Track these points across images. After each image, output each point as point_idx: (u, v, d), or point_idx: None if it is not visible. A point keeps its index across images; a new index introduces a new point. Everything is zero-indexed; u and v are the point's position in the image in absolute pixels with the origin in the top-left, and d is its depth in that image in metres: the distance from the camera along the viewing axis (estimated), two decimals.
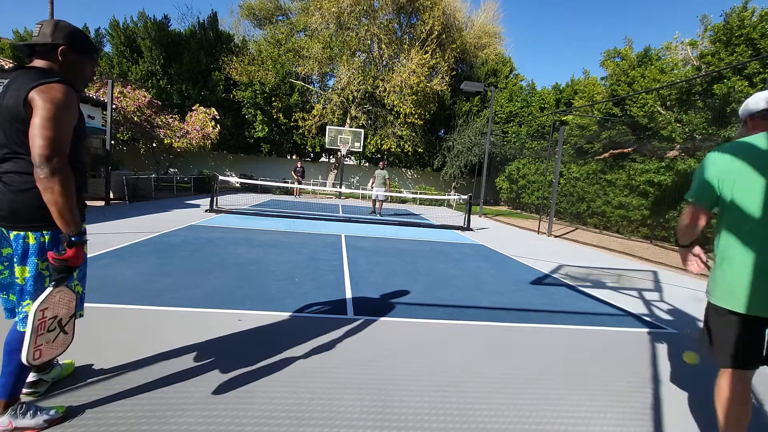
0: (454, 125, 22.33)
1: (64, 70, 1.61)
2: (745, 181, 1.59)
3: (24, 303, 1.59)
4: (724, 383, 1.76)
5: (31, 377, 1.87)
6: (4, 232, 1.57)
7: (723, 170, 1.64)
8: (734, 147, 1.65)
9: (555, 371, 2.66)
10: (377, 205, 12.72)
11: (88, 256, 2.32)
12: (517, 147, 19.69)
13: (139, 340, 2.61)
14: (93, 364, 2.25)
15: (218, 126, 16.60)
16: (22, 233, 1.53)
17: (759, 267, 1.57)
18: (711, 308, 1.78)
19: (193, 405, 1.95)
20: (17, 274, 1.57)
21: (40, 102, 1.43)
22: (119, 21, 20.18)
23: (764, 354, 1.65)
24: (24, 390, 1.80)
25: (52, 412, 1.72)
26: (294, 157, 23.40)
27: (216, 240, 6.08)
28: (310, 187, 20.03)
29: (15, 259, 1.57)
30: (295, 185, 17.87)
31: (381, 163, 13.09)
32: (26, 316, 1.55)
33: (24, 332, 1.52)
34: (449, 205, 20.38)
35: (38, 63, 1.59)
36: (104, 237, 5.81)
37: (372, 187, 12.62)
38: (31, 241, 1.54)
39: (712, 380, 2.73)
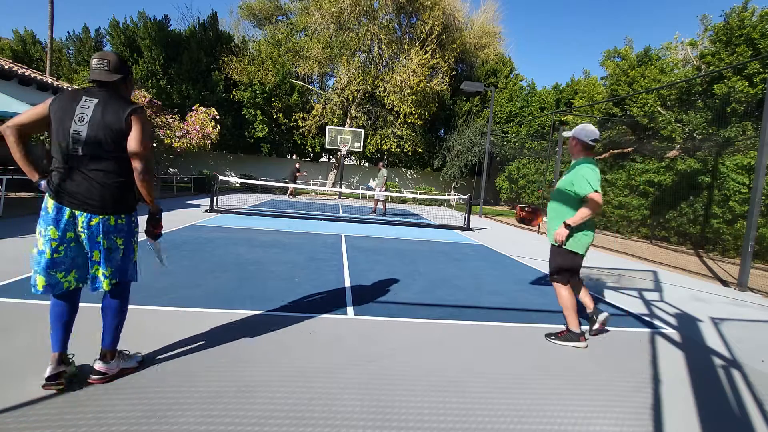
0: (454, 125, 22.33)
1: (129, 93, 2.15)
2: (597, 179, 3.03)
3: (105, 271, 2.02)
4: (567, 290, 3.13)
5: (49, 370, 1.98)
6: (81, 218, 1.94)
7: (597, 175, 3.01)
8: (587, 166, 3.02)
9: (555, 371, 2.66)
10: (380, 204, 12.77)
11: None
12: (517, 147, 19.70)
13: (139, 339, 2.61)
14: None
15: (218, 126, 16.58)
16: (106, 217, 1.97)
17: (591, 230, 3.08)
18: (575, 256, 3.06)
19: (193, 405, 1.95)
20: (105, 246, 1.99)
21: (138, 122, 1.95)
22: (119, 21, 20.21)
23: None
24: (44, 385, 1.98)
25: (138, 357, 2.33)
26: (294, 156, 23.40)
27: (216, 240, 6.08)
28: (310, 187, 20.04)
29: (99, 238, 1.98)
30: (290, 185, 17.44)
31: (380, 164, 13.11)
32: (114, 279, 2.08)
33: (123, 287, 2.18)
34: (449, 205, 20.39)
35: (116, 87, 2.04)
36: None
37: (375, 188, 12.73)
38: (112, 222, 2.00)
39: (712, 380, 2.74)
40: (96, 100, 1.92)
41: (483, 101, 22.58)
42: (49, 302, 2.04)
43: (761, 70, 10.02)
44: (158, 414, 1.86)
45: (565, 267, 3.05)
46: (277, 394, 2.11)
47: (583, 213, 2.89)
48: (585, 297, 3.29)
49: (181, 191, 15.90)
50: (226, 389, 2.12)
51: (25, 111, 2.00)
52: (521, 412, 2.14)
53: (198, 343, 2.62)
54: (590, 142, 2.99)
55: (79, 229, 1.95)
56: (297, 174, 17.45)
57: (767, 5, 14.74)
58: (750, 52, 10.46)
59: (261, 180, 18.37)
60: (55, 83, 11.49)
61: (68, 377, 2.04)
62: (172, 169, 19.78)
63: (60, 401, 1.90)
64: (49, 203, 1.92)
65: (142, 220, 2.20)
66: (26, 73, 10.30)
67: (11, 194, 10.15)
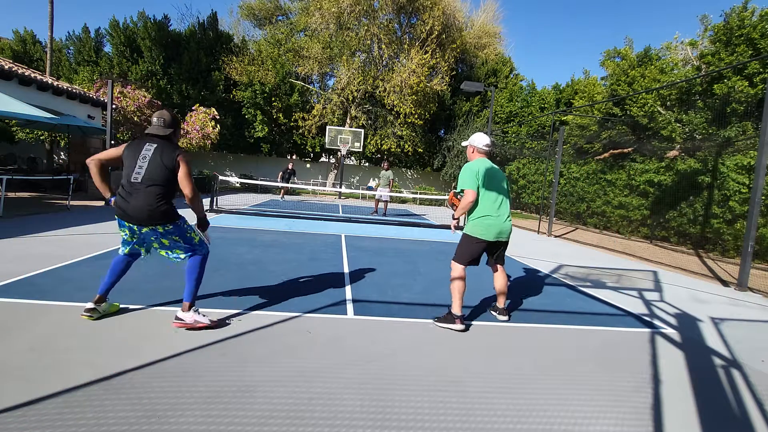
0: (454, 125, 22.32)
1: (177, 140, 2.95)
2: (488, 178, 3.39)
3: (180, 254, 2.89)
4: (460, 272, 3.37)
5: (89, 305, 2.83)
6: (135, 228, 2.72)
7: (481, 172, 3.37)
8: (481, 163, 3.46)
9: (555, 371, 2.66)
10: (381, 204, 12.75)
11: (89, 256, 4.36)
12: (517, 147, 19.69)
13: (139, 340, 2.61)
14: (93, 364, 2.25)
15: (218, 126, 16.59)
16: (153, 227, 2.71)
17: (490, 218, 3.34)
18: (469, 237, 3.39)
19: (193, 405, 1.95)
20: (164, 243, 2.83)
21: (184, 163, 2.73)
22: (119, 21, 20.20)
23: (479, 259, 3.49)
24: (82, 314, 2.82)
25: (209, 318, 2.90)
26: (294, 156, 23.40)
27: (216, 240, 6.07)
28: (310, 187, 20.03)
29: (157, 239, 2.81)
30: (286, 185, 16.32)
31: (385, 164, 13.04)
32: (191, 255, 2.91)
33: (197, 257, 2.93)
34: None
35: (167, 136, 2.83)
36: (104, 237, 5.81)
37: (376, 188, 12.68)
38: (161, 230, 2.74)
39: (712, 380, 2.73)
40: (155, 146, 2.72)
41: (483, 101, 22.58)
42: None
43: (761, 70, 10.01)
44: (158, 414, 1.86)
45: (459, 246, 3.45)
46: (277, 394, 2.11)
47: (462, 204, 3.38)
48: (503, 290, 3.66)
49: (181, 191, 15.87)
50: (226, 389, 2.12)
51: (106, 150, 2.83)
52: (521, 412, 2.14)
53: (198, 343, 2.62)
54: (483, 147, 3.58)
55: (137, 232, 2.76)
56: (282, 173, 16.08)
57: (767, 5, 14.74)
58: (750, 52, 10.45)
59: (261, 180, 18.37)
60: (55, 83, 11.48)
61: (100, 314, 2.85)
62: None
63: (60, 401, 1.90)
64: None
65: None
66: (26, 73, 10.30)
67: (11, 194, 10.15)
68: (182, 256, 2.89)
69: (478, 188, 3.34)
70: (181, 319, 2.80)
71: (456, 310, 3.27)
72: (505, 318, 3.64)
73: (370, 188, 12.67)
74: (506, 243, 3.57)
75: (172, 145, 2.78)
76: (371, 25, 20.41)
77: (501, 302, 3.69)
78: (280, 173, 16.17)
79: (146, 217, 2.65)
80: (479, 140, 3.57)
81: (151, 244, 2.88)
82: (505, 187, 3.54)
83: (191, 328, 2.79)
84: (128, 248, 2.87)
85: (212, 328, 2.83)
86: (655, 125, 11.94)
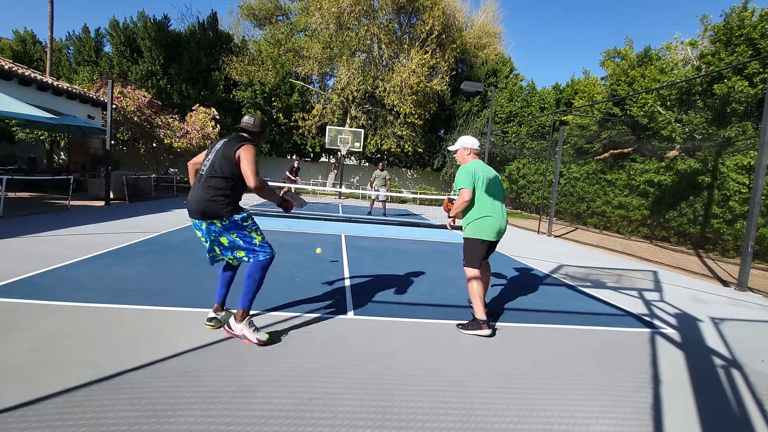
0: (454, 125, 22.32)
1: (259, 143, 2.87)
2: (483, 179, 3.38)
3: (242, 255, 2.70)
4: (474, 274, 3.36)
5: (211, 314, 2.90)
6: (199, 225, 2.67)
7: (478, 174, 3.37)
8: (474, 164, 3.44)
9: (555, 371, 2.66)
10: (378, 204, 12.75)
11: (89, 256, 4.35)
12: (517, 147, 19.69)
13: (139, 340, 2.61)
14: (93, 363, 2.25)
15: (218, 126, 16.59)
16: (211, 221, 2.61)
17: (488, 219, 3.35)
18: (473, 240, 3.38)
19: (193, 405, 1.95)
20: (223, 241, 2.68)
21: (245, 153, 2.57)
22: (119, 21, 20.20)
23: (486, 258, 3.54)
24: (205, 323, 2.86)
25: (264, 336, 2.70)
26: (294, 157, 23.39)
27: None
28: (310, 187, 20.02)
29: (215, 237, 2.67)
30: (290, 185, 14.53)
31: (380, 164, 13.01)
32: (250, 258, 2.69)
33: (257, 260, 2.69)
34: None
35: (249, 135, 2.79)
36: (104, 237, 5.82)
37: (374, 188, 12.63)
38: (218, 224, 2.61)
39: (712, 380, 2.74)
40: (226, 140, 2.72)
41: (483, 101, 22.57)
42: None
43: (761, 70, 10.01)
44: (158, 414, 1.86)
45: (467, 251, 3.43)
46: (277, 394, 2.11)
47: (456, 205, 3.42)
48: (485, 285, 3.65)
49: (181, 191, 15.89)
50: (226, 389, 2.12)
51: (200, 153, 2.85)
52: (521, 412, 2.14)
53: (198, 343, 2.62)
54: (477, 148, 3.64)
55: (203, 230, 2.70)
56: (289, 175, 14.24)
57: (767, 5, 14.74)
58: (750, 52, 10.45)
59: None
60: (55, 83, 11.48)
61: (221, 323, 2.84)
62: (172, 169, 19.77)
63: (60, 401, 1.90)
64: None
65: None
66: (26, 73, 10.30)
67: (11, 194, 10.15)
68: (244, 258, 2.70)
69: (474, 188, 3.34)
70: (231, 329, 2.71)
71: (480, 314, 3.22)
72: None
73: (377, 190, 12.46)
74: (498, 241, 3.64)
75: (240, 138, 2.68)
76: (371, 25, 20.40)
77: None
78: (287, 172, 14.37)
79: (201, 210, 2.58)
80: (471, 142, 3.61)
81: (219, 245, 2.73)
82: (501, 186, 3.58)
83: (242, 339, 2.68)
84: (211, 255, 2.76)
85: (260, 345, 2.65)
86: (655, 125, 11.94)
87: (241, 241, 2.66)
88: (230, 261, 2.82)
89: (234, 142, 2.64)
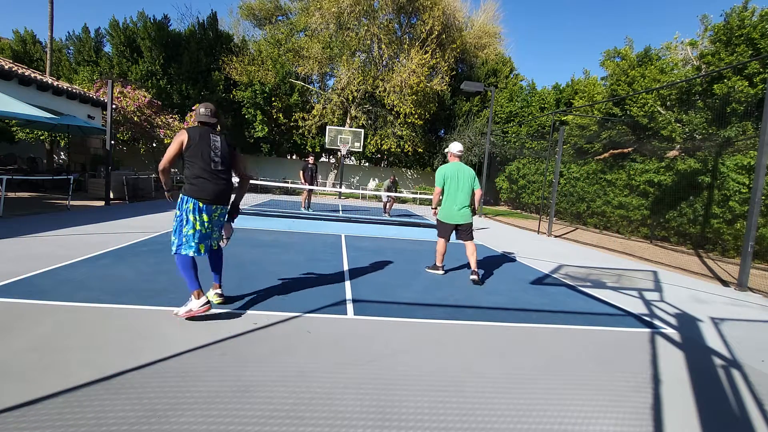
0: (454, 125, 22.32)
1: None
2: (451, 178, 4.82)
3: (215, 234, 3.21)
4: (441, 243, 4.97)
5: (218, 291, 3.37)
6: (217, 210, 3.09)
7: (447, 174, 4.81)
8: (449, 166, 4.86)
9: (555, 371, 2.66)
10: (387, 206, 13.08)
11: (89, 256, 4.54)
12: (517, 147, 19.68)
13: (139, 340, 2.61)
14: (93, 364, 2.25)
15: (218, 126, 16.59)
16: (222, 206, 3.13)
17: (451, 208, 4.85)
18: (440, 222, 4.94)
19: (193, 405, 1.95)
20: (221, 221, 3.20)
21: (238, 151, 3.24)
22: (119, 21, 20.19)
23: (453, 235, 5.04)
24: (215, 299, 3.35)
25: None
26: (294, 157, 23.37)
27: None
28: (309, 187, 20.00)
29: (222, 220, 3.20)
30: (304, 190, 12.29)
31: (392, 177, 13.78)
32: (220, 240, 3.29)
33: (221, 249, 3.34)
34: None
35: (215, 124, 3.22)
36: (104, 237, 5.82)
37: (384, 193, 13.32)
38: (225, 209, 3.18)
39: (712, 380, 2.74)
40: (218, 136, 3.14)
41: (483, 101, 22.57)
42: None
43: (761, 70, 10.01)
44: (158, 414, 1.86)
45: (437, 227, 5.07)
46: (277, 394, 2.11)
47: (434, 197, 4.96)
48: (470, 257, 4.89)
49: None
50: (226, 389, 2.12)
51: (167, 154, 3.02)
52: (521, 412, 2.14)
53: (198, 343, 2.62)
54: (457, 152, 4.96)
55: (215, 213, 3.12)
56: (303, 177, 12.01)
57: (767, 5, 14.73)
58: (750, 52, 10.45)
59: (261, 180, 18.36)
60: (55, 83, 11.48)
61: (213, 302, 3.21)
62: (172, 169, 19.75)
63: (60, 401, 1.90)
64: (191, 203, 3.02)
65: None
66: (26, 73, 10.29)
67: (11, 194, 10.15)
68: (223, 241, 3.30)
69: (443, 186, 4.85)
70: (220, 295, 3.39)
71: (438, 262, 5.06)
72: (475, 278, 4.73)
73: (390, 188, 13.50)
74: (467, 224, 4.93)
75: (220, 133, 3.22)
76: (371, 25, 20.40)
77: (473, 264, 4.84)
78: (301, 172, 12.09)
79: (227, 198, 3.11)
80: (453, 147, 4.99)
81: (216, 229, 3.17)
82: (468, 183, 4.83)
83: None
84: (196, 244, 2.98)
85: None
86: (655, 125, 11.93)
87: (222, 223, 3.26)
88: (216, 241, 3.25)
89: (222, 137, 3.15)
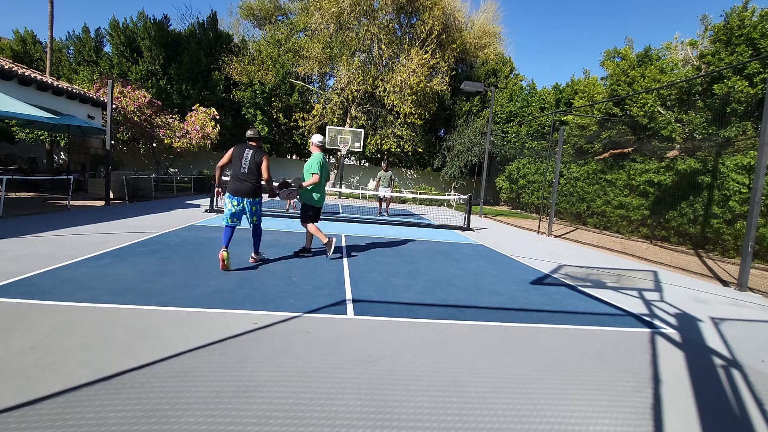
0: (454, 125, 22.31)
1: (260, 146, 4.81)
2: (323, 167, 5.35)
3: (253, 219, 4.75)
4: (313, 227, 5.51)
5: (224, 252, 4.44)
6: (242, 200, 4.58)
7: (321, 162, 5.31)
8: (319, 155, 5.37)
9: (555, 371, 2.66)
10: (384, 204, 12.83)
11: (89, 256, 4.74)
12: (517, 147, 19.68)
13: (139, 340, 2.61)
14: (93, 363, 2.25)
15: (218, 126, 16.58)
16: (251, 199, 4.62)
17: (321, 193, 5.51)
18: (310, 206, 5.49)
19: (193, 405, 1.95)
20: (253, 209, 4.70)
21: (265, 160, 4.61)
22: (119, 21, 20.18)
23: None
24: (223, 256, 4.42)
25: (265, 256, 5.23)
26: (294, 157, 23.37)
27: (216, 240, 6.07)
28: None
29: (248, 208, 4.65)
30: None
31: (384, 164, 12.99)
32: (260, 220, 4.90)
33: (258, 225, 4.92)
34: (449, 205, 20.38)
35: (258, 144, 4.75)
36: (104, 237, 5.82)
37: (377, 188, 12.73)
38: (251, 200, 4.63)
39: (712, 380, 2.74)
40: (251, 151, 4.63)
41: (483, 101, 22.57)
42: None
43: (761, 70, 10.00)
44: (158, 414, 1.86)
45: (307, 213, 5.47)
46: (277, 394, 2.11)
47: (308, 182, 5.27)
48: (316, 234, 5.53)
49: (181, 191, 15.89)
50: (226, 389, 2.12)
51: (223, 158, 4.66)
52: (521, 412, 2.14)
53: (198, 343, 2.62)
54: (318, 143, 5.45)
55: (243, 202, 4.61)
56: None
57: (767, 5, 14.74)
58: (750, 52, 10.44)
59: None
60: (55, 83, 11.48)
61: (228, 261, 4.42)
62: (172, 169, 19.78)
63: (60, 401, 1.90)
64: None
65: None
66: (26, 73, 10.29)
67: (11, 194, 10.15)
68: (255, 221, 4.74)
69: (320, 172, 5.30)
70: (255, 259, 5.00)
71: (324, 239, 5.49)
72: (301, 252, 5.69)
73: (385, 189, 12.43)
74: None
75: (261, 150, 4.66)
76: (371, 25, 20.39)
77: (308, 243, 5.72)
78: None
79: (250, 193, 4.56)
80: (315, 139, 5.49)
81: (244, 213, 4.62)
82: (327, 171, 5.47)
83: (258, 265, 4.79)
84: (231, 219, 4.54)
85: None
86: (655, 125, 11.92)
87: (258, 212, 4.74)
88: (249, 221, 4.71)
89: (259, 152, 4.61)
